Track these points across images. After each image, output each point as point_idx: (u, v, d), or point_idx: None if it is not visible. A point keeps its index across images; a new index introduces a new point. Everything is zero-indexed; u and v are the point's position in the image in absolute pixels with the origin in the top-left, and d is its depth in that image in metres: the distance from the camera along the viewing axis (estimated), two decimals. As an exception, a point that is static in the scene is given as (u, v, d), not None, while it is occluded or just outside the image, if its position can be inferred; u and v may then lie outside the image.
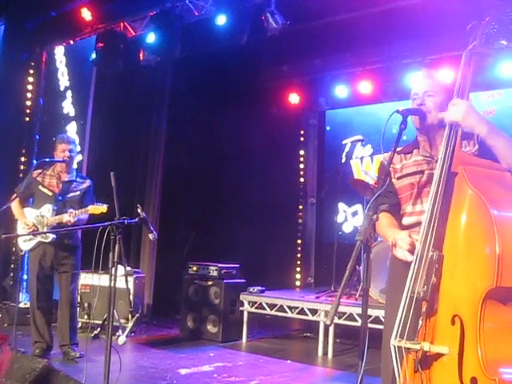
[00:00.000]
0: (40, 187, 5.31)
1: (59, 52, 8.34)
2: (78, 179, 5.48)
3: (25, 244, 5.29)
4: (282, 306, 6.53)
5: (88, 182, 5.49)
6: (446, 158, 2.38)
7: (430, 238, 2.30)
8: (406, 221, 2.75)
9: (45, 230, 5.15)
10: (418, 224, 2.57)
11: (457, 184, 2.29)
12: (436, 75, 2.84)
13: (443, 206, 2.31)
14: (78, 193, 5.33)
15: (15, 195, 5.12)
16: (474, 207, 2.18)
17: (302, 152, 10.07)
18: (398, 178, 2.78)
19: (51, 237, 5.15)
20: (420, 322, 2.27)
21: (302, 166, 10.04)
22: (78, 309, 6.03)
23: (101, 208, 5.00)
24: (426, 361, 2.23)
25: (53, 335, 5.35)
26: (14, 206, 5.27)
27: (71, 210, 5.09)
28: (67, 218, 5.05)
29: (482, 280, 2.08)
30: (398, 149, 2.80)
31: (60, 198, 5.29)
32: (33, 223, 5.19)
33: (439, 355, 2.18)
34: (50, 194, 5.30)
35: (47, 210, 5.22)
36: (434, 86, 2.73)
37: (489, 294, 2.08)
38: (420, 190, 2.69)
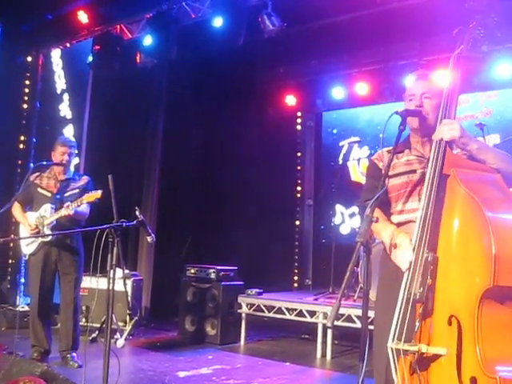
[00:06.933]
0: (38, 189, 5.28)
1: (56, 55, 8.32)
2: (76, 177, 5.45)
3: (27, 248, 5.25)
4: (280, 308, 6.52)
5: (86, 179, 5.41)
6: (438, 160, 2.41)
7: (425, 239, 2.32)
8: (395, 219, 2.76)
9: (45, 229, 5.12)
10: (408, 222, 2.65)
11: (449, 186, 2.32)
12: (433, 77, 2.85)
13: (436, 208, 2.34)
14: (77, 190, 5.26)
15: (14, 200, 5.10)
16: (468, 207, 2.20)
17: (298, 154, 10.04)
18: (390, 177, 2.77)
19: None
20: (417, 323, 2.28)
21: (298, 167, 10.01)
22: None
23: (95, 194, 4.84)
24: (423, 362, 2.23)
25: (51, 339, 5.31)
26: (15, 211, 5.27)
27: (68, 202, 5.00)
28: (64, 211, 4.95)
29: (479, 280, 2.10)
30: (389, 148, 2.84)
31: (58, 196, 5.24)
32: (35, 225, 5.16)
33: (437, 356, 2.19)
34: (49, 194, 5.27)
35: (46, 209, 5.19)
36: (431, 88, 2.75)
37: (486, 294, 2.09)
38: (413, 189, 2.71)
